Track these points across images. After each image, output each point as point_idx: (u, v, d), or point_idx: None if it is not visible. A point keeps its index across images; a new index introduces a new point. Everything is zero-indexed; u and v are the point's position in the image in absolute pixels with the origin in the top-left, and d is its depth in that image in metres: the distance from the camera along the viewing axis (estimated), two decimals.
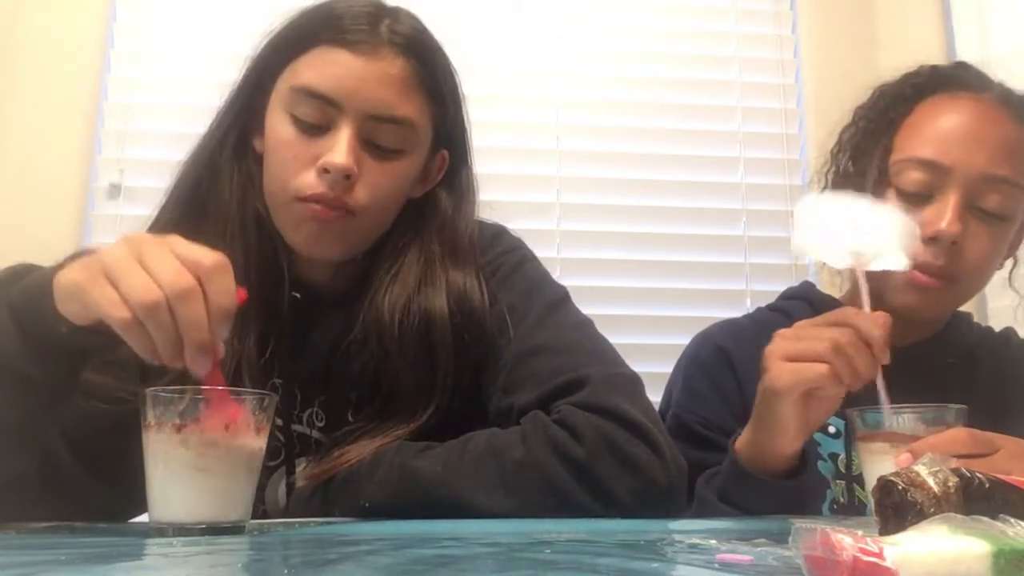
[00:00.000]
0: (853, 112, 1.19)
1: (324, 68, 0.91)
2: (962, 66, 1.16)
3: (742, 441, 0.95)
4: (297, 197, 0.91)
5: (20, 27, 1.98)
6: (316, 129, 0.91)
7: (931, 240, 1.03)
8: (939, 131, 1.07)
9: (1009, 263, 1.18)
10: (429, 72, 0.95)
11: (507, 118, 2.08)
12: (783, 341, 0.89)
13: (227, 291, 0.70)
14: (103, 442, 0.85)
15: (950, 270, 1.04)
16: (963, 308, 1.23)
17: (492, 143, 1.96)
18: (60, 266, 0.75)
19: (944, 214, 1.03)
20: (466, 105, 1.04)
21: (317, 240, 0.93)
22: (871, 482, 0.63)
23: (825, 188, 1.19)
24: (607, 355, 0.94)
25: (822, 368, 0.85)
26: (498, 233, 1.07)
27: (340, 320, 0.97)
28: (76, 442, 0.86)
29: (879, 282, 1.08)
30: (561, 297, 1.01)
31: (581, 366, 0.89)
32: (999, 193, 1.04)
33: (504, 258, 1.02)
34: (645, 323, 2.01)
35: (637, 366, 0.93)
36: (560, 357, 0.91)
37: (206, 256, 0.70)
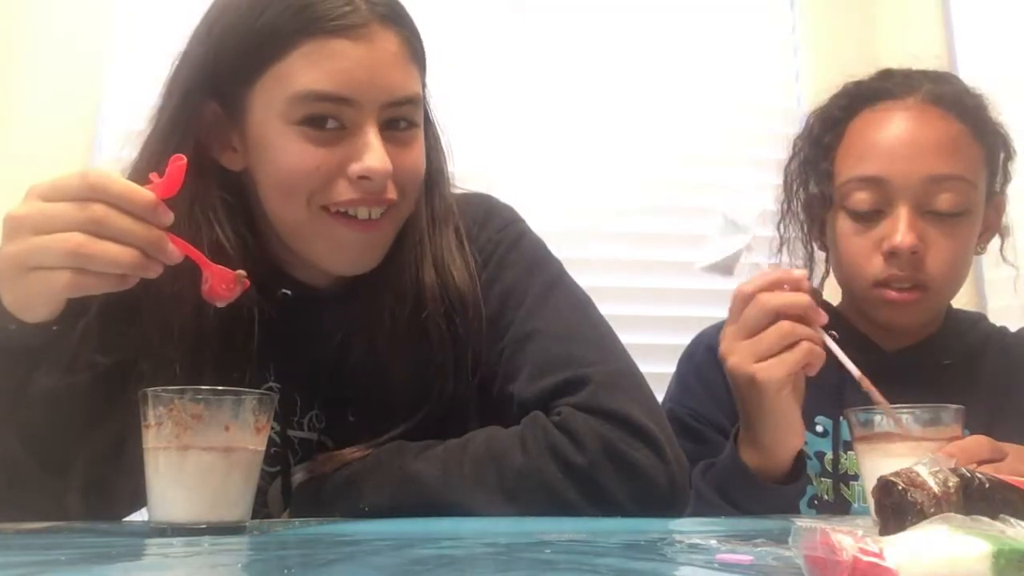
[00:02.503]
0: (793, 143, 1.21)
1: (326, 65, 0.82)
2: (885, 75, 1.15)
3: (746, 455, 0.95)
4: (326, 206, 0.85)
5: (20, 27, 1.98)
6: (334, 133, 0.84)
7: (891, 255, 1.04)
8: (872, 147, 1.08)
9: (996, 240, 1.17)
10: (413, 34, 0.89)
11: (507, 118, 2.08)
12: (740, 357, 0.91)
13: (129, 189, 0.70)
14: (51, 432, 0.83)
15: (918, 279, 1.05)
16: (967, 308, 1.23)
17: (491, 143, 1.96)
18: None
19: (897, 227, 1.03)
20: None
21: (359, 259, 0.90)
22: (871, 482, 0.63)
23: (781, 222, 1.21)
24: (607, 345, 0.93)
25: (804, 346, 0.88)
26: (489, 208, 1.02)
27: (333, 318, 0.94)
28: (28, 438, 0.83)
29: (858, 301, 1.12)
30: (559, 274, 0.99)
31: (581, 360, 0.88)
32: (948, 191, 1.04)
33: (501, 235, 0.99)
34: (645, 323, 2.01)
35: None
36: (559, 345, 0.90)
37: (77, 181, 0.71)
